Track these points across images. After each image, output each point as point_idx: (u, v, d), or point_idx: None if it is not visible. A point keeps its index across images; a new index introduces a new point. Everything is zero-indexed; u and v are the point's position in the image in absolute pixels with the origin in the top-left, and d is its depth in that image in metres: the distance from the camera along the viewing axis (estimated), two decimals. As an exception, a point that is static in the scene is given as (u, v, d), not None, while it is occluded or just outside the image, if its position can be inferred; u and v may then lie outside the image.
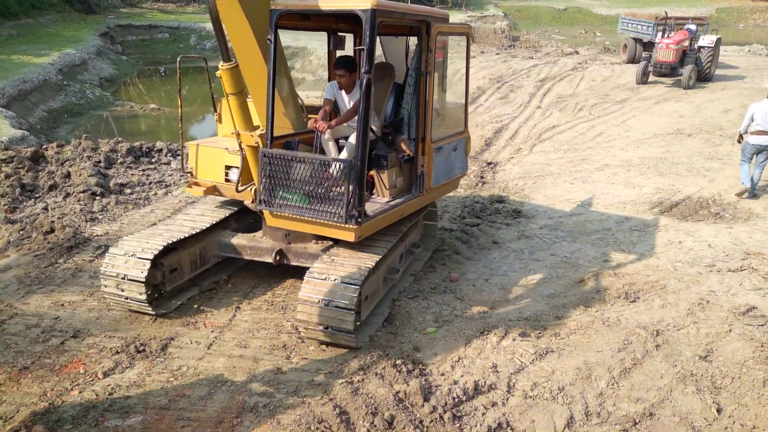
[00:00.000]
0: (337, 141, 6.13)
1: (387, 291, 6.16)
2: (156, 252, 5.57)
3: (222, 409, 4.46)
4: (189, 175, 6.73)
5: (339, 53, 6.74)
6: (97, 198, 8.84)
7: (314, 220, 5.34)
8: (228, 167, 6.38)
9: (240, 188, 6.08)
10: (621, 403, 4.63)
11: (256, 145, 5.75)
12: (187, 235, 5.95)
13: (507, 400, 4.64)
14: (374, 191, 6.06)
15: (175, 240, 5.82)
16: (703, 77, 19.26)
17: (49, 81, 18.84)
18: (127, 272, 5.51)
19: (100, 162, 10.10)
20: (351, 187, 5.08)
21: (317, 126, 5.68)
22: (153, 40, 31.77)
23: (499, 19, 41.71)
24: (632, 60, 22.80)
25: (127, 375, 4.87)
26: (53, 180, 9.20)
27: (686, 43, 19.20)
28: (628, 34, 23.47)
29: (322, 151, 6.02)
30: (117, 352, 5.17)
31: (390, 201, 5.94)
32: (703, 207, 9.24)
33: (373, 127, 5.96)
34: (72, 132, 15.59)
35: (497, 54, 26.37)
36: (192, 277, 6.32)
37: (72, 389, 4.64)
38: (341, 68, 6.06)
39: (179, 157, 11.05)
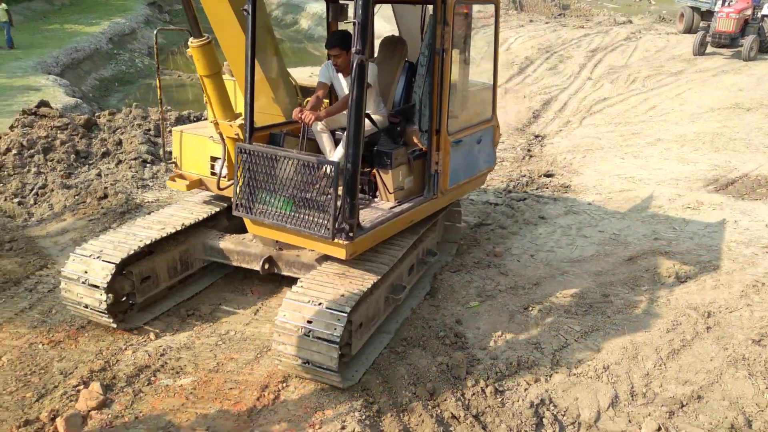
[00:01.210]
0: (333, 133, 5.33)
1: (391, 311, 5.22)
2: (122, 257, 4.81)
3: (268, 373, 4.57)
4: (173, 165, 5.96)
5: (341, 26, 5.98)
6: (148, 165, 9.05)
7: (299, 231, 4.48)
8: (214, 158, 5.62)
9: (222, 185, 5.41)
10: (668, 385, 4.55)
11: (236, 136, 5.09)
12: (164, 236, 5.18)
13: (550, 376, 4.61)
14: (377, 194, 5.21)
15: (148, 243, 5.06)
16: (766, 48, 18.34)
17: (100, 50, 19.25)
18: (87, 277, 4.76)
19: (149, 130, 10.30)
20: (340, 195, 4.17)
21: (302, 117, 4.71)
22: (200, 9, 31.97)
23: (549, -13, 40.40)
24: (689, 30, 21.85)
25: (178, 337, 5.03)
26: (106, 147, 9.45)
27: (748, 12, 18.27)
28: (685, 3, 22.47)
29: (316, 146, 5.33)
30: (168, 315, 5.34)
31: (395, 206, 5.04)
32: (762, 185, 8.88)
33: (375, 118, 5.26)
34: (122, 100, 15.95)
35: (546, 23, 25.64)
36: (173, 284, 5.51)
37: (126, 349, 4.82)
38: (335, 46, 5.11)
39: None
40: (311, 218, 4.34)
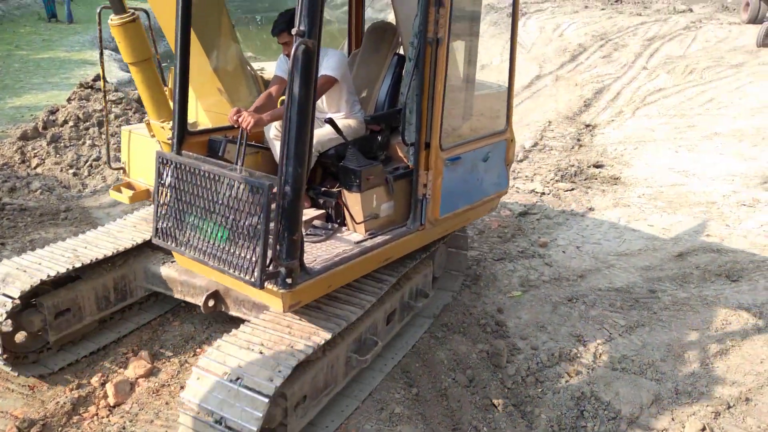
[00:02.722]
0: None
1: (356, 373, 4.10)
2: (25, 290, 3.83)
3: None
4: (121, 171, 5.12)
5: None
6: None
7: (222, 272, 3.41)
8: None
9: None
10: (714, 385, 4.43)
11: (169, 141, 4.10)
12: (85, 264, 4.17)
13: (592, 369, 4.55)
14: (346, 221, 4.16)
15: (65, 271, 4.05)
16: (836, 41, 17.41)
17: (155, 26, 19.64)
18: None
19: (200, 107, 10.49)
20: (273, 228, 3.08)
21: (239, 120, 3.73)
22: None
23: (606, -28, 39.21)
24: (754, 20, 20.88)
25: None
26: (158, 122, 9.67)
27: (820, 2, 17.35)
28: (751, -9, 21.46)
29: (271, 159, 4.34)
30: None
31: (364, 240, 3.91)
32: (824, 185, 8.49)
33: (345, 123, 4.29)
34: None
35: (602, 9, 24.90)
36: (104, 317, 4.52)
37: (174, 321, 4.95)
38: (283, 31, 4.07)
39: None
40: (237, 256, 3.27)
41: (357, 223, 4.01)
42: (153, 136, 4.52)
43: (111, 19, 4.19)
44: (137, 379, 4.22)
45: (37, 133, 8.69)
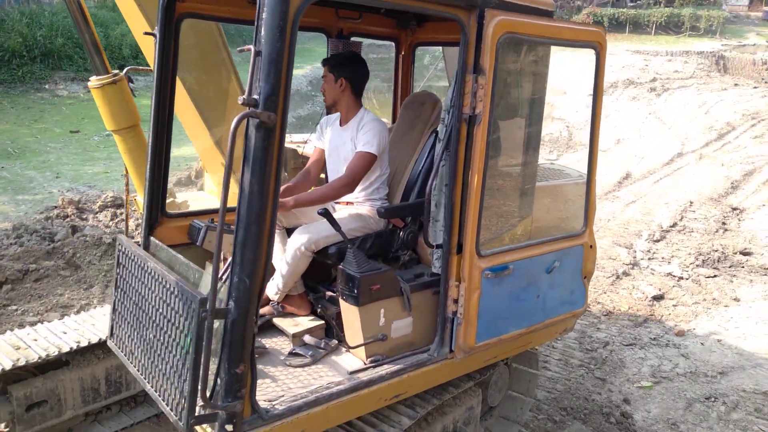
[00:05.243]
0: (289, 233, 3.38)
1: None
2: None
3: None
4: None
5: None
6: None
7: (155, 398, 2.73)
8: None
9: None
10: None
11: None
12: (67, 350, 3.53)
13: (733, 481, 4.05)
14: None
15: (39, 359, 3.42)
16: None
17: (300, 91, 21.22)
18: None
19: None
20: (205, 358, 2.29)
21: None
22: (391, 58, 33.88)
23: (760, 49, 37.06)
24: None
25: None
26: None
27: None
28: None
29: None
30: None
31: (364, 369, 2.97)
32: None
33: (354, 211, 3.49)
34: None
35: (755, 87, 23.41)
36: (91, 411, 3.82)
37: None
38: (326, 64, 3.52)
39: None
40: (168, 386, 2.57)
41: (352, 348, 3.07)
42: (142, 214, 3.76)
43: (89, 80, 3.71)
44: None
45: (190, 180, 9.55)
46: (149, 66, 3.75)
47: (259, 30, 2.22)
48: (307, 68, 23.76)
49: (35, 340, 3.61)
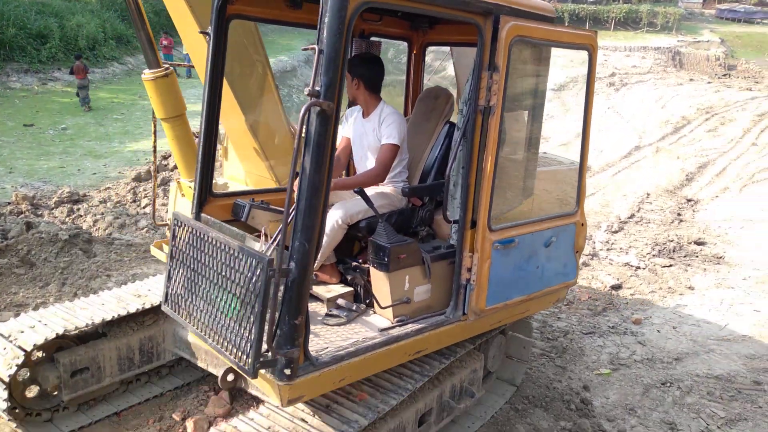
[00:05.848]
0: None
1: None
2: (39, 342, 3.59)
3: None
4: (166, 228, 4.63)
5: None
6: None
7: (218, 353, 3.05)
8: None
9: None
10: (831, 497, 3.95)
11: None
12: (108, 319, 3.90)
13: (687, 463, 4.19)
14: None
15: (85, 326, 3.80)
16: None
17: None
18: None
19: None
20: (270, 311, 2.62)
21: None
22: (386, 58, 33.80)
23: (714, 46, 38.21)
24: None
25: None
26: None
27: None
28: None
29: None
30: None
31: (391, 328, 3.39)
32: None
33: (379, 190, 3.96)
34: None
35: (709, 83, 24.15)
36: (126, 378, 4.16)
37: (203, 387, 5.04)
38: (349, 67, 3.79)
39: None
40: (234, 337, 2.86)
41: (382, 308, 3.49)
42: (183, 195, 4.29)
43: (143, 73, 4.08)
44: (215, 417, 4.26)
45: (149, 175, 9.38)
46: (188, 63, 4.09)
47: (321, 31, 2.56)
48: (271, 61, 23.65)
49: (73, 312, 3.96)
